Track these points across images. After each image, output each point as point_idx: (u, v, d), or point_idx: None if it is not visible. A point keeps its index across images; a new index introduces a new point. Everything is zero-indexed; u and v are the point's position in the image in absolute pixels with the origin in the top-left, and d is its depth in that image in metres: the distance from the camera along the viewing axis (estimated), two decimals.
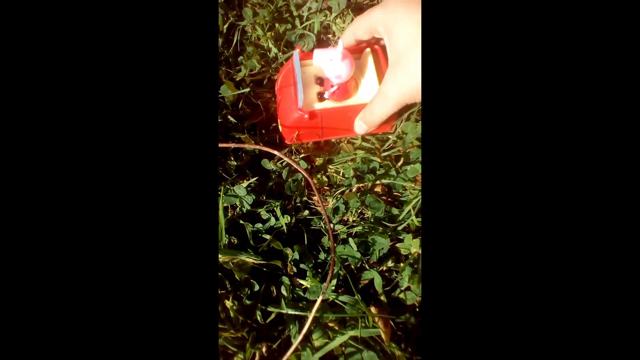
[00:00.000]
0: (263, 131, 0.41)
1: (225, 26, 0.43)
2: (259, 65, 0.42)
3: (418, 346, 0.31)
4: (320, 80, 0.35)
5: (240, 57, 0.43)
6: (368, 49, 0.34)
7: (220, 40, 0.43)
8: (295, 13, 0.44)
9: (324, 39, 0.44)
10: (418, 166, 0.34)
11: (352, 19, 0.41)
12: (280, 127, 0.37)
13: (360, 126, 0.34)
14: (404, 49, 0.28)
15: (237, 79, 0.41)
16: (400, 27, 0.28)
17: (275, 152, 0.34)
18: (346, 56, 0.30)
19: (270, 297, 0.34)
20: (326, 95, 0.34)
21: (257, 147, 0.36)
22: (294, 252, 0.35)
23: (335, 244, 0.34)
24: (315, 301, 0.30)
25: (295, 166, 0.35)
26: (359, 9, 0.43)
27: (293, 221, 0.37)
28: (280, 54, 0.42)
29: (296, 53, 0.34)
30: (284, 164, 0.38)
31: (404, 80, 0.29)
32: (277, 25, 0.44)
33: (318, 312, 0.29)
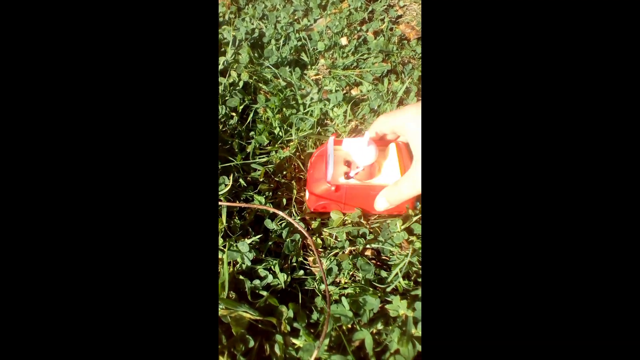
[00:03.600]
0: (268, 194, 0.46)
1: (241, 107, 0.51)
2: (267, 140, 0.49)
3: None
4: (348, 163, 0.42)
5: (252, 132, 0.50)
6: (393, 144, 0.41)
7: (235, 118, 0.50)
8: (300, 101, 0.52)
9: (322, 123, 0.52)
10: (403, 234, 0.39)
11: (347, 110, 0.50)
12: (307, 196, 0.42)
13: (383, 202, 0.39)
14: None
15: (248, 150, 0.47)
16: (417, 127, 0.34)
17: (279, 212, 0.38)
18: (370, 144, 0.37)
19: (263, 356, 0.34)
20: (352, 174, 0.40)
21: (261, 207, 0.40)
22: (288, 310, 0.37)
23: (323, 296, 0.36)
24: None
25: (296, 225, 0.38)
26: (352, 102, 0.52)
27: (289, 280, 0.39)
28: (283, 132, 0.49)
29: (331, 138, 0.41)
30: (283, 225, 0.41)
31: None
32: (284, 109, 0.52)
33: None
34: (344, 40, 0.58)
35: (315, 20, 0.65)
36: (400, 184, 0.37)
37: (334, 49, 0.59)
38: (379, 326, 0.36)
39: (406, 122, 0.35)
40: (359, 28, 0.63)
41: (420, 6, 0.70)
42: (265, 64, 0.58)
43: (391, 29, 0.62)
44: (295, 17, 0.66)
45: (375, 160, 0.39)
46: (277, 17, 0.65)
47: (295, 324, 0.37)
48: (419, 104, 0.36)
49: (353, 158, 0.38)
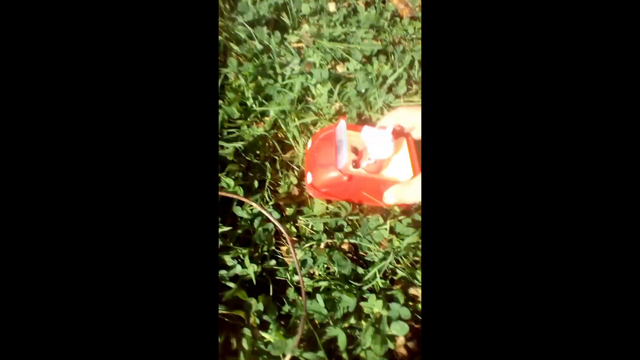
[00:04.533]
0: (237, 174, 0.41)
1: None
2: (238, 113, 0.43)
3: None
4: (355, 150, 0.38)
5: (220, 101, 0.44)
6: (405, 139, 0.38)
7: None
8: (278, 71, 0.47)
9: (304, 101, 0.48)
10: (384, 231, 0.37)
11: (332, 88, 0.46)
12: (308, 179, 0.38)
13: (392, 198, 0.37)
14: None
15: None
16: None
17: (250, 202, 0.35)
18: (392, 138, 0.34)
19: (229, 350, 0.32)
20: (363, 165, 0.36)
21: (228, 194, 0.36)
22: (258, 302, 0.34)
23: (296, 288, 0.35)
24: (277, 357, 0.29)
25: (267, 215, 0.35)
26: (337, 79, 0.48)
27: (259, 270, 0.37)
28: (257, 105, 0.44)
29: (343, 121, 0.37)
30: (254, 211, 0.38)
31: None
32: (259, 78, 0.46)
33: None
34: (332, 6, 0.52)
35: None
36: (413, 185, 0.35)
37: (320, 14, 0.53)
38: (352, 320, 0.35)
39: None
40: None
41: None
42: (238, 20, 0.50)
43: (384, 1, 0.57)
44: None
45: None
46: None
47: (265, 317, 0.35)
48: None
49: (369, 148, 0.35)
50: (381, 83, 0.47)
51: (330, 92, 0.45)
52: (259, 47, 0.49)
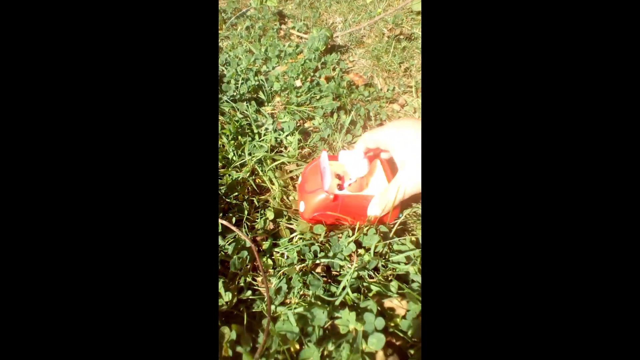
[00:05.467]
0: (219, 214, 0.44)
1: None
2: (220, 164, 0.49)
3: None
4: (338, 176, 0.44)
5: None
6: (378, 160, 0.44)
7: None
8: (255, 130, 0.55)
9: (278, 151, 0.54)
10: (352, 245, 0.39)
11: (300, 139, 0.53)
12: (301, 208, 0.42)
13: (375, 208, 0.41)
14: (405, 156, 0.39)
15: None
16: (400, 142, 0.39)
17: (233, 228, 0.37)
18: (364, 157, 0.40)
19: None
20: (346, 185, 0.42)
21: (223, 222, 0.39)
22: (231, 331, 0.34)
23: (272, 318, 0.34)
24: None
25: (246, 241, 0.37)
26: (304, 133, 0.55)
27: (235, 301, 0.37)
28: (236, 157, 0.50)
29: (325, 152, 0.43)
30: (229, 242, 0.40)
31: (411, 177, 0.38)
32: (239, 137, 0.53)
33: None
34: (298, 82, 0.64)
35: (273, 68, 0.71)
36: (388, 191, 0.40)
37: (289, 89, 0.63)
38: (330, 347, 0.34)
39: (389, 137, 0.40)
40: (312, 74, 0.69)
41: (367, 61, 0.80)
42: (223, 98, 0.60)
43: (341, 76, 0.69)
44: (255, 64, 0.71)
45: (364, 175, 0.41)
46: (238, 63, 0.70)
47: (239, 348, 0.33)
48: (399, 121, 0.41)
49: (348, 170, 0.40)
50: (340, 128, 0.54)
51: (299, 140, 0.52)
52: (240, 115, 0.57)
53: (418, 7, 1.04)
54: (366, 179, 0.44)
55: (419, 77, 0.76)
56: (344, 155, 0.41)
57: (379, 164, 0.44)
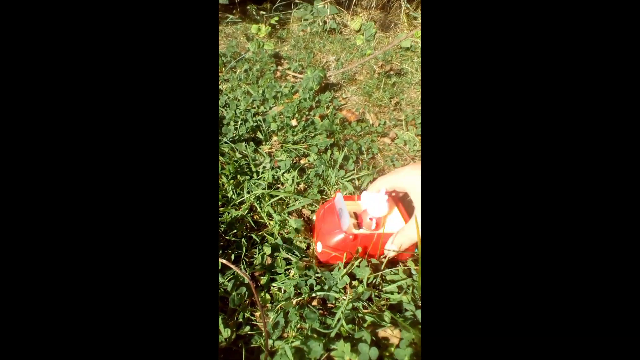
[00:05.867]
0: (218, 252, 0.47)
1: None
2: (220, 203, 0.52)
3: None
4: (355, 215, 0.46)
5: None
6: (395, 207, 0.47)
7: None
8: (253, 169, 0.58)
9: (275, 188, 0.57)
10: (346, 278, 0.40)
11: (295, 175, 0.56)
12: (319, 249, 0.44)
13: (393, 247, 0.43)
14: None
15: None
16: (414, 184, 0.43)
17: (232, 266, 0.39)
18: (386, 199, 0.42)
19: None
20: (364, 225, 0.44)
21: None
22: None
23: (270, 353, 0.35)
24: None
25: (245, 277, 0.39)
26: (300, 169, 0.58)
27: (233, 337, 0.38)
28: (235, 195, 0.53)
29: (339, 194, 0.45)
30: (228, 278, 0.42)
31: None
32: (238, 176, 0.57)
33: None
34: (294, 122, 0.68)
35: (270, 108, 0.76)
36: (406, 229, 0.42)
37: (286, 128, 0.67)
38: None
39: (408, 180, 0.43)
40: (307, 113, 0.73)
41: (359, 97, 0.84)
42: (223, 140, 0.64)
43: (335, 114, 0.73)
44: (253, 105, 0.76)
45: (383, 215, 0.43)
46: (237, 105, 0.75)
47: None
48: (416, 164, 0.45)
49: (369, 210, 0.42)
50: (334, 164, 0.57)
51: (294, 177, 0.55)
52: (239, 155, 0.61)
53: (407, 43, 1.10)
54: (383, 219, 0.46)
55: (408, 110, 0.80)
56: (367, 197, 0.43)
57: (396, 209, 0.46)
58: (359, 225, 0.45)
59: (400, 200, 0.48)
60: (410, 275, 0.43)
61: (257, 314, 0.41)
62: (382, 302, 0.40)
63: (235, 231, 0.49)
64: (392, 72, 0.95)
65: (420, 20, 1.23)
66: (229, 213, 0.51)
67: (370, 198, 0.43)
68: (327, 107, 0.76)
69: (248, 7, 1.20)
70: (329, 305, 0.41)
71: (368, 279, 0.41)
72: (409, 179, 0.44)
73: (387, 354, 0.36)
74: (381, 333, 0.37)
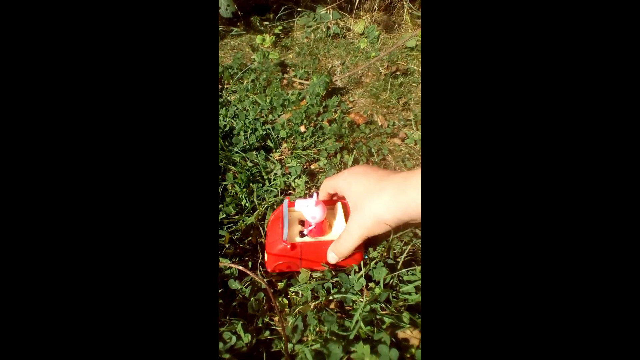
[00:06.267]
0: (234, 259, 0.47)
1: None
2: (234, 211, 0.53)
3: None
4: (302, 222, 0.45)
5: (220, 205, 0.54)
6: (339, 202, 0.46)
7: None
8: (265, 177, 0.59)
9: (287, 193, 0.58)
10: (362, 280, 0.41)
11: (306, 180, 0.56)
12: (265, 257, 0.44)
13: (332, 256, 0.42)
14: (356, 199, 0.41)
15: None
16: (352, 186, 0.42)
17: (249, 272, 0.40)
18: (319, 203, 0.41)
19: None
20: (305, 232, 0.43)
21: (233, 266, 0.42)
22: None
23: (290, 357, 0.35)
24: None
25: (262, 283, 0.39)
26: (311, 174, 0.59)
27: (254, 342, 0.39)
28: (249, 203, 0.54)
29: (285, 201, 0.45)
30: (246, 284, 0.42)
31: (361, 219, 0.40)
32: (251, 184, 0.57)
33: None
34: (302, 128, 0.69)
35: (278, 116, 0.77)
36: (341, 238, 0.41)
37: (295, 135, 0.68)
38: None
39: (339, 182, 0.43)
40: (315, 118, 0.74)
41: (366, 99, 0.85)
42: (234, 150, 0.66)
43: (343, 118, 0.74)
44: (262, 114, 0.77)
45: (326, 218, 0.43)
46: (246, 115, 0.76)
47: None
48: (353, 168, 0.44)
49: (305, 216, 0.42)
50: (344, 167, 0.57)
51: (306, 182, 0.56)
52: (250, 164, 0.62)
53: (412, 43, 1.10)
54: (329, 223, 0.45)
55: (417, 109, 0.80)
56: (300, 203, 0.41)
57: (340, 207, 0.45)
58: (302, 234, 0.43)
59: (347, 205, 0.45)
60: None
61: (276, 318, 0.42)
62: (400, 303, 0.40)
63: (250, 238, 0.50)
64: (398, 73, 0.95)
65: None
66: (243, 221, 0.52)
67: (301, 204, 0.41)
68: (335, 112, 0.77)
69: (252, 18, 1.23)
70: (346, 307, 0.41)
71: (385, 279, 0.41)
72: (344, 180, 0.42)
73: (408, 355, 0.35)
74: (401, 334, 0.37)
